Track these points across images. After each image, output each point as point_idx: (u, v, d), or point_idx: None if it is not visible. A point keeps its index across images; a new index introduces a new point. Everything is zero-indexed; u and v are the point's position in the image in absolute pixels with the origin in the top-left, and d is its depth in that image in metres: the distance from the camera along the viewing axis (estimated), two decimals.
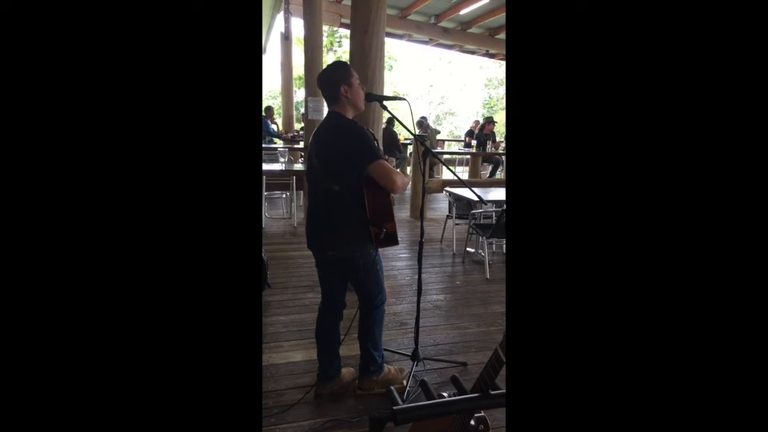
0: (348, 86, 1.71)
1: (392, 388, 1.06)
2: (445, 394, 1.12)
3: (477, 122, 9.06)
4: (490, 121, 7.42)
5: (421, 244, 2.05)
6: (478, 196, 2.04)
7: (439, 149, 6.88)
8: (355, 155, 1.67)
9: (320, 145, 1.75)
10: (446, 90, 22.30)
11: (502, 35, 7.92)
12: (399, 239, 1.81)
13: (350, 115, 1.77)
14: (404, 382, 2.01)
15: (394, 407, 0.95)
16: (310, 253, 1.88)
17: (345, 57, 15.36)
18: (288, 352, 2.31)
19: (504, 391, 0.99)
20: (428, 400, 1.04)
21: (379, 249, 1.84)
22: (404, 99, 1.89)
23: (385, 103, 1.90)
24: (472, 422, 1.16)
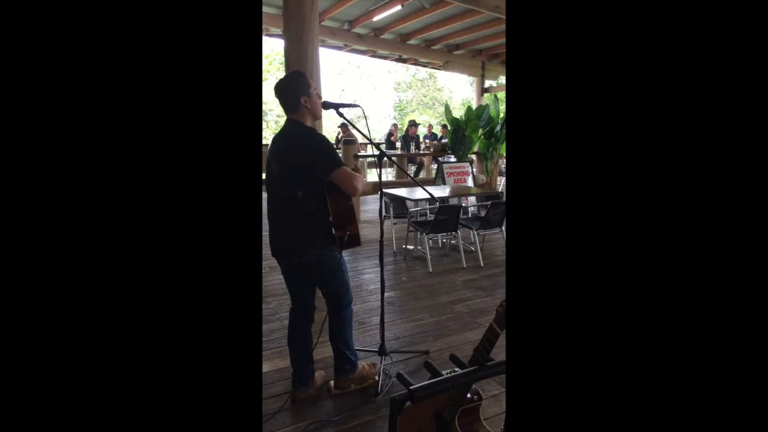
0: (307, 96, 1.77)
1: (401, 372, 1.14)
2: (443, 373, 1.22)
3: (395, 125, 9.36)
4: (413, 124, 7.86)
5: (381, 243, 2.15)
6: (430, 194, 2.18)
7: (362, 152, 7.02)
8: (319, 162, 1.72)
9: (283, 153, 1.78)
10: (357, 94, 22.60)
11: (413, 41, 8.27)
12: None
13: (309, 123, 1.82)
14: (376, 377, 2.09)
15: (410, 387, 1.04)
16: (267, 262, 1.89)
17: (265, 62, 14.90)
18: None
19: (499, 360, 1.12)
20: (435, 377, 1.14)
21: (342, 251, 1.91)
22: (358, 105, 1.98)
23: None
24: (467, 395, 1.29)
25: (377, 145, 2.02)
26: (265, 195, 1.59)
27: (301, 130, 1.76)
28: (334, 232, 1.80)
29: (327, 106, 1.89)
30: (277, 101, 1.81)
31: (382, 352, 2.21)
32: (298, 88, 1.75)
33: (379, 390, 2.02)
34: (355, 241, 1.86)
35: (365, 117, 1.98)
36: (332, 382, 2.04)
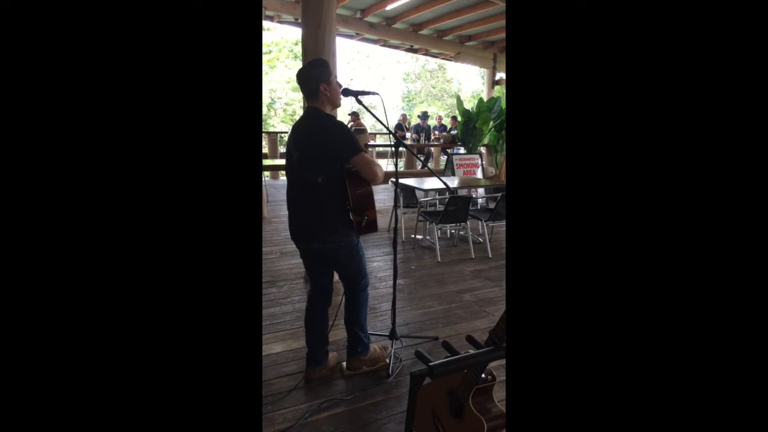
0: (327, 84, 1.80)
1: (420, 350, 1.19)
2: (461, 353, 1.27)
3: (404, 115, 9.37)
4: (424, 116, 8.02)
5: (395, 230, 2.19)
6: (446, 184, 2.22)
7: (371, 142, 7.05)
8: (340, 148, 1.76)
9: (302, 140, 1.82)
10: (366, 83, 22.52)
11: (425, 31, 8.24)
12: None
13: (328, 110, 1.85)
14: (387, 360, 2.14)
15: (430, 363, 1.09)
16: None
17: (275, 49, 14.83)
18: (267, 345, 2.35)
19: None
20: (453, 356, 1.19)
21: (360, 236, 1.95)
22: (377, 93, 2.01)
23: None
24: (482, 375, 1.33)
25: (394, 134, 2.05)
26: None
27: (320, 117, 1.80)
28: (352, 217, 1.84)
29: (347, 93, 1.93)
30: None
31: (392, 336, 2.26)
32: (318, 75, 1.79)
33: (390, 372, 2.08)
34: (372, 226, 1.90)
35: (383, 105, 2.01)
36: (344, 363, 2.10)
